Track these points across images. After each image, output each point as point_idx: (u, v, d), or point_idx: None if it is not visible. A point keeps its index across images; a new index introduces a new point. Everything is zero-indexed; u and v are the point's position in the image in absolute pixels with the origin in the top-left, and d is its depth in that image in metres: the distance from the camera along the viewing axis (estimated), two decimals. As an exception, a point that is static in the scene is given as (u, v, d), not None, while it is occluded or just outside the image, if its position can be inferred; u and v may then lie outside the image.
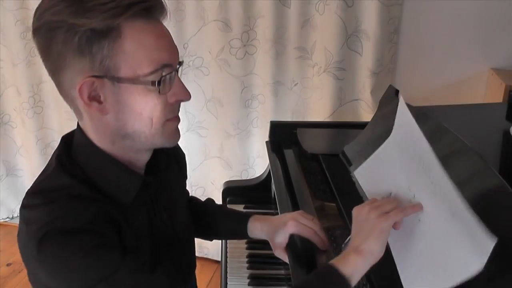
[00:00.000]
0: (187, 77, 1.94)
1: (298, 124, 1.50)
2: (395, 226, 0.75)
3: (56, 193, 0.73)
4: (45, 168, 0.80)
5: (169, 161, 0.94)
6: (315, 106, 1.88)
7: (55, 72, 0.73)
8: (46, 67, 0.75)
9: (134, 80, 0.71)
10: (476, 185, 0.76)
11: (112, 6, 0.66)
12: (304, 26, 1.78)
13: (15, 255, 2.34)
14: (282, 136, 1.47)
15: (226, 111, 2.00)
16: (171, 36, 0.76)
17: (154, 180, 0.85)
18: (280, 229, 0.97)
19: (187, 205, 1.04)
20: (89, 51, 0.68)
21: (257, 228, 1.04)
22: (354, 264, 0.74)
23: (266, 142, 1.49)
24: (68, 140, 0.81)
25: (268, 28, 1.80)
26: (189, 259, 1.01)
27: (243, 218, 1.06)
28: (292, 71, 1.86)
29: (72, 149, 0.80)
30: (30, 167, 2.50)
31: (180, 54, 0.79)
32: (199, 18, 1.87)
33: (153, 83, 0.71)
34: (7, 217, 2.65)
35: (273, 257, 1.22)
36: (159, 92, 0.73)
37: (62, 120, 2.28)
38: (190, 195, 1.14)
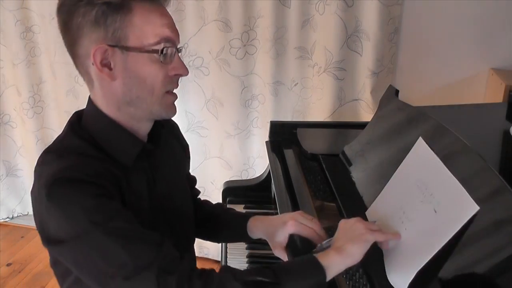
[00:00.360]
0: (187, 77, 1.93)
1: (298, 124, 1.50)
2: (383, 245, 0.85)
3: (67, 151, 0.84)
4: (58, 135, 0.90)
5: (167, 136, 1.02)
6: (315, 106, 1.88)
7: (73, 43, 0.85)
8: (65, 41, 0.87)
9: (140, 49, 0.81)
10: (476, 185, 0.76)
11: None
12: (304, 26, 1.78)
13: (15, 255, 2.35)
14: (282, 136, 1.47)
15: (226, 111, 2.00)
16: (173, 21, 0.86)
17: (154, 149, 0.94)
18: (279, 228, 0.98)
19: (189, 185, 1.13)
20: (104, 22, 0.79)
21: (257, 227, 1.05)
22: (333, 259, 0.80)
23: (266, 142, 1.49)
24: (79, 113, 0.92)
25: (268, 28, 1.80)
26: (187, 233, 1.05)
27: (243, 219, 1.08)
28: (292, 71, 1.86)
29: (83, 118, 0.90)
30: (30, 167, 2.50)
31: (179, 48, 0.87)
32: (199, 18, 1.87)
33: (155, 51, 0.82)
34: (7, 217, 2.65)
35: (273, 257, 1.22)
36: (161, 61, 0.83)
37: (62, 120, 2.28)
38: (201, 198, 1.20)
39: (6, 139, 2.48)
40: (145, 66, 0.83)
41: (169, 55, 0.84)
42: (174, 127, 1.12)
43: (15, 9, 2.14)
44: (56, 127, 2.34)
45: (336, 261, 0.80)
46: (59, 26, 0.85)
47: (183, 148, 1.13)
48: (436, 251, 0.73)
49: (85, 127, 0.88)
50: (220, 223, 1.13)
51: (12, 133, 2.47)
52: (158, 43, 0.82)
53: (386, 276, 0.82)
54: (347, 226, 0.85)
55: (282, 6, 1.77)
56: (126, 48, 0.81)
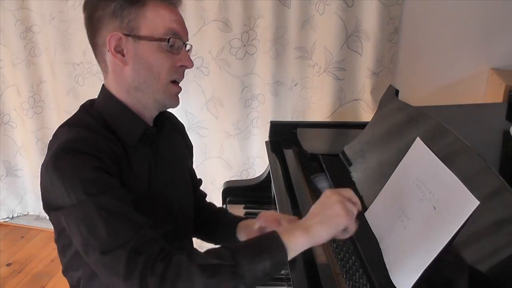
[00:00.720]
0: (187, 77, 1.93)
1: (298, 124, 1.50)
2: (342, 234, 0.83)
3: (76, 124, 0.93)
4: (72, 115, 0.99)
5: (171, 129, 1.10)
6: (315, 106, 1.88)
7: (94, 35, 0.94)
8: (88, 35, 0.97)
9: (150, 38, 0.91)
10: (476, 185, 0.76)
11: None
12: (304, 26, 1.78)
13: (15, 255, 2.34)
14: (282, 136, 1.47)
15: (226, 111, 2.00)
16: (183, 20, 0.97)
17: (157, 137, 1.02)
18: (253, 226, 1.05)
19: (191, 180, 1.17)
20: (120, 14, 0.90)
21: (240, 229, 1.12)
22: (297, 239, 0.81)
23: (266, 142, 1.49)
24: (92, 100, 1.01)
25: (268, 28, 1.80)
26: (185, 223, 1.09)
27: (236, 223, 1.14)
28: (292, 71, 1.86)
29: (96, 101, 0.99)
30: (30, 167, 2.50)
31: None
32: (199, 18, 1.87)
33: (163, 40, 0.91)
34: (7, 217, 2.65)
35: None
36: (167, 50, 0.92)
37: (62, 120, 2.25)
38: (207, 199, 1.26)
39: (6, 139, 2.48)
40: (153, 54, 0.92)
41: (176, 47, 0.93)
42: (179, 125, 1.19)
43: (15, 9, 2.14)
44: (56, 127, 2.33)
45: (300, 241, 0.80)
46: (84, 21, 0.96)
47: (188, 147, 1.19)
48: (441, 249, 0.73)
49: (97, 108, 0.97)
50: (218, 225, 1.18)
51: (12, 133, 2.47)
52: (166, 34, 0.92)
53: (386, 276, 0.82)
54: (328, 202, 0.83)
55: (282, 6, 1.77)
56: (138, 37, 0.91)
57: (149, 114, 0.99)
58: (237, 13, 1.82)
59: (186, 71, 0.99)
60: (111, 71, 0.95)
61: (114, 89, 0.96)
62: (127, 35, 0.91)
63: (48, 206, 0.89)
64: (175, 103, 0.98)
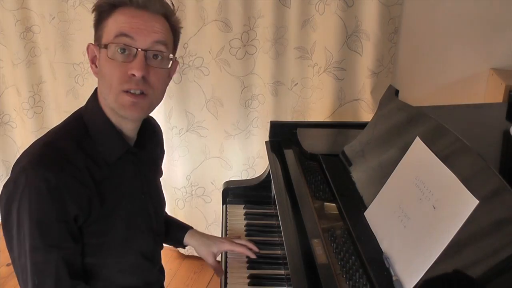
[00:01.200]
0: (187, 77, 1.94)
1: (298, 124, 1.50)
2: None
3: (55, 147, 0.91)
4: (63, 122, 1.00)
5: (151, 140, 1.11)
6: (315, 106, 1.88)
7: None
8: None
9: (104, 45, 0.90)
10: (476, 185, 0.76)
11: None
12: (304, 26, 1.78)
13: (15, 255, 2.34)
14: (282, 136, 1.47)
15: (226, 111, 2.00)
16: (151, 24, 0.91)
17: (139, 152, 1.02)
18: (217, 243, 1.21)
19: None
20: (95, 25, 0.93)
21: (195, 238, 1.23)
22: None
23: (266, 142, 1.49)
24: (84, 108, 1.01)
25: (268, 28, 1.80)
26: (160, 226, 1.14)
27: (182, 231, 1.25)
28: (292, 71, 1.86)
29: (85, 108, 0.99)
30: (30, 167, 2.50)
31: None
32: (199, 18, 1.87)
33: (110, 46, 0.88)
34: (7, 217, 2.65)
35: (273, 257, 1.22)
36: (115, 58, 0.88)
37: (62, 120, 2.27)
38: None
39: (6, 139, 2.48)
40: (106, 62, 0.90)
41: (130, 55, 0.89)
42: (159, 133, 1.19)
43: (15, 9, 2.14)
44: (56, 127, 2.34)
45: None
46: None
47: (162, 154, 1.22)
48: (442, 249, 0.73)
49: (84, 119, 0.97)
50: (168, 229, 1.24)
51: (12, 133, 2.47)
52: (115, 38, 0.88)
53: (386, 276, 0.82)
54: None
55: (282, 6, 1.77)
56: (100, 45, 0.91)
57: (126, 127, 0.98)
58: (237, 13, 1.82)
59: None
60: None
61: (100, 97, 0.97)
62: (95, 45, 0.93)
63: (5, 223, 0.90)
64: (130, 113, 0.92)
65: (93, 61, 0.94)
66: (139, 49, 0.89)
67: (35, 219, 0.86)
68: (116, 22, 0.90)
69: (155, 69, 0.91)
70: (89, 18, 1.99)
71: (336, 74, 1.79)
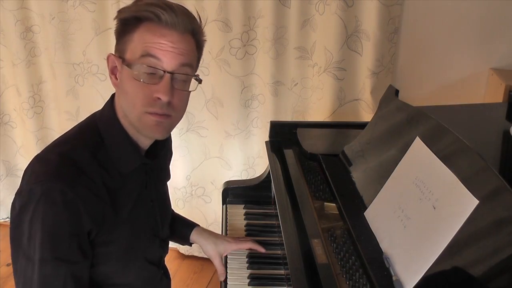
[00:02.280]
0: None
1: (298, 124, 1.50)
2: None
3: (70, 157, 0.88)
4: (78, 127, 0.97)
5: (166, 146, 1.11)
6: (315, 106, 1.88)
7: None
8: None
9: (129, 64, 0.87)
10: (476, 185, 0.76)
11: (137, 6, 0.87)
12: (304, 26, 1.78)
13: (15, 255, 2.34)
14: (282, 136, 1.47)
15: (226, 111, 2.00)
16: (180, 45, 0.87)
17: (151, 162, 1.01)
18: (224, 243, 1.22)
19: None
20: (118, 35, 0.89)
21: (202, 235, 1.24)
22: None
23: (266, 142, 1.49)
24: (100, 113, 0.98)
25: (268, 28, 1.80)
26: (166, 232, 1.14)
27: (188, 228, 1.25)
28: (292, 71, 1.86)
29: (100, 116, 0.96)
30: (30, 167, 2.49)
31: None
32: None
33: (135, 67, 0.86)
34: (7, 217, 2.65)
35: (273, 257, 1.22)
36: (142, 80, 0.85)
37: (62, 120, 2.28)
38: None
39: (6, 139, 2.48)
40: (128, 80, 0.87)
41: (156, 77, 0.86)
42: (169, 139, 1.17)
43: (15, 9, 2.14)
44: (56, 127, 2.34)
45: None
46: None
47: (170, 155, 1.21)
48: (443, 249, 0.73)
49: (99, 128, 0.94)
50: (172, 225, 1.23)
51: (12, 133, 2.47)
52: (141, 57, 0.85)
53: (386, 276, 0.82)
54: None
55: (282, 6, 1.77)
56: (123, 60, 0.88)
57: (143, 142, 0.97)
58: (237, 13, 1.82)
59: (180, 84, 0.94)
60: (116, 92, 0.94)
61: (118, 108, 0.94)
62: (118, 57, 0.89)
63: (14, 230, 0.88)
64: (155, 134, 0.91)
65: (113, 71, 0.90)
66: (166, 72, 0.86)
67: (48, 231, 0.84)
68: (142, 40, 0.85)
69: (179, 91, 0.90)
70: (89, 18, 2.01)
71: (336, 74, 1.79)
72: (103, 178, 0.90)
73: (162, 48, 0.85)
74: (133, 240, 0.98)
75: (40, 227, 0.83)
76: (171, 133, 1.03)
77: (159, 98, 0.87)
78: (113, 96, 0.96)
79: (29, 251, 0.85)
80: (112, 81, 0.91)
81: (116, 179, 0.92)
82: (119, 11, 0.89)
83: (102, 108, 0.97)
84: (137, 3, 0.89)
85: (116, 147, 0.92)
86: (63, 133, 0.97)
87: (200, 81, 0.95)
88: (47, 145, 0.94)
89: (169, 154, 1.20)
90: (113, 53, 0.91)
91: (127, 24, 0.87)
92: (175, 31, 0.87)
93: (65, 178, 0.85)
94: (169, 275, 1.20)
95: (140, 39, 0.86)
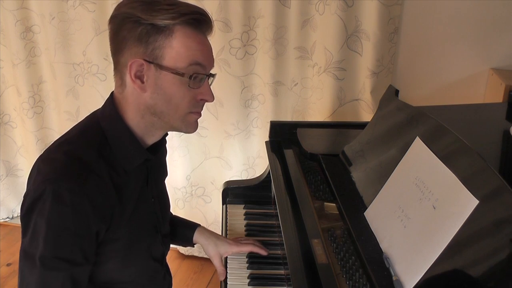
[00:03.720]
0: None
1: (298, 124, 1.50)
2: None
3: (76, 156, 0.89)
4: (80, 126, 0.97)
5: (165, 144, 1.12)
6: (315, 106, 1.88)
7: (117, 52, 0.91)
8: (110, 48, 0.92)
9: (172, 70, 0.87)
10: (476, 185, 0.76)
11: (173, 11, 0.85)
12: (304, 26, 1.78)
13: (15, 255, 2.34)
14: (282, 136, 1.47)
15: (226, 111, 2.00)
16: (211, 49, 0.94)
17: (154, 157, 1.01)
18: (226, 245, 1.22)
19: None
20: (146, 40, 0.86)
21: (204, 235, 1.24)
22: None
23: (266, 142, 1.49)
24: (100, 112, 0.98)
25: (268, 28, 1.80)
26: (166, 228, 1.16)
27: (190, 229, 1.25)
28: (292, 71, 1.86)
29: (101, 114, 0.96)
30: (30, 167, 2.49)
31: None
32: (199, 18, 1.87)
33: (186, 75, 0.88)
34: (7, 217, 2.65)
35: (273, 257, 1.22)
36: (188, 85, 0.89)
37: (62, 120, 2.28)
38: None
39: (6, 139, 2.48)
40: (174, 86, 0.89)
41: (198, 81, 0.91)
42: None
43: (15, 9, 2.14)
44: (56, 127, 2.34)
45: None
46: (109, 34, 0.92)
47: (166, 152, 1.21)
48: (443, 249, 0.73)
49: (102, 126, 0.94)
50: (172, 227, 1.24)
51: (12, 133, 2.47)
52: (189, 65, 0.88)
53: (386, 276, 0.82)
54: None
55: (282, 6, 1.77)
56: (160, 67, 0.87)
57: (156, 136, 0.98)
58: (237, 13, 1.82)
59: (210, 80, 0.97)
60: (129, 91, 0.92)
61: (127, 108, 0.93)
62: (150, 62, 0.87)
63: (24, 215, 0.88)
64: (193, 130, 0.97)
65: (136, 75, 0.88)
66: (207, 76, 0.92)
67: (52, 230, 0.84)
68: (186, 48, 0.87)
69: None
70: (89, 18, 2.01)
71: (336, 74, 1.79)
72: (110, 175, 0.91)
73: (206, 56, 0.91)
74: (137, 237, 0.99)
75: (45, 225, 0.84)
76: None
77: (202, 100, 0.93)
78: (111, 94, 0.97)
79: (31, 248, 0.86)
80: (136, 85, 0.89)
81: (121, 176, 0.93)
82: (147, 15, 0.85)
83: (102, 107, 0.97)
84: (165, 7, 0.86)
85: (120, 145, 0.93)
86: (63, 134, 0.97)
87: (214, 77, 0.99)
88: (47, 145, 0.95)
89: (165, 151, 1.21)
90: (135, 57, 0.87)
91: (162, 29, 0.86)
92: (208, 35, 0.93)
93: (74, 176, 0.85)
94: (170, 272, 1.21)
95: (182, 46, 0.87)
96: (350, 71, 1.79)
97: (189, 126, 0.95)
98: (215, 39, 1.87)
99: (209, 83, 0.94)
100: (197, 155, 2.12)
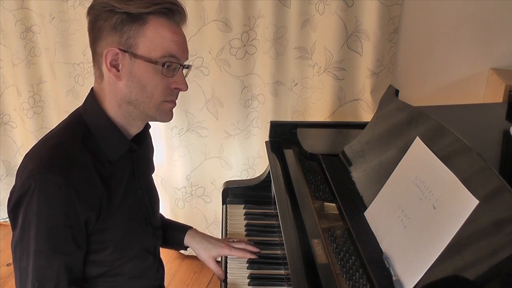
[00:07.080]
0: (187, 77, 1.94)
1: (298, 124, 1.50)
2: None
3: (62, 148, 0.91)
4: (63, 124, 1.00)
5: (148, 139, 1.15)
6: (315, 106, 1.88)
7: (94, 42, 0.94)
8: (89, 39, 0.96)
9: (146, 59, 0.90)
10: (476, 185, 0.76)
11: (147, 0, 0.88)
12: (304, 26, 1.78)
13: (15, 255, 2.34)
14: (282, 136, 1.47)
15: (226, 111, 2.00)
16: (185, 39, 0.96)
17: (138, 149, 1.04)
18: (217, 247, 1.22)
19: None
20: (121, 29, 0.89)
21: (195, 238, 1.24)
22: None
23: (266, 142, 1.49)
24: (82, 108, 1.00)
25: (268, 28, 1.80)
26: (157, 220, 1.17)
27: (181, 231, 1.26)
28: (292, 71, 1.86)
29: (83, 109, 0.99)
30: (30, 167, 2.49)
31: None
32: (199, 18, 1.87)
33: (159, 63, 0.90)
34: (7, 217, 2.65)
35: (273, 257, 1.22)
36: (162, 73, 0.91)
37: (61, 120, 2.27)
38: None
39: (6, 139, 2.48)
40: (148, 74, 0.91)
41: (172, 70, 0.93)
42: (148, 130, 1.20)
43: (15, 9, 2.14)
44: (56, 127, 2.34)
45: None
46: (87, 25, 0.96)
47: (152, 149, 1.23)
48: (443, 249, 0.73)
49: (84, 119, 0.97)
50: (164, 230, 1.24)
51: (12, 133, 2.47)
52: (163, 56, 0.90)
53: (386, 276, 0.82)
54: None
55: (282, 6, 1.77)
56: (135, 55, 0.90)
57: (136, 127, 1.01)
58: (237, 13, 1.82)
59: (185, 71, 0.99)
60: (106, 81, 0.95)
61: (105, 99, 0.96)
62: (124, 51, 0.90)
63: (11, 213, 0.91)
64: (167, 118, 0.99)
65: (112, 63, 0.91)
66: (181, 66, 0.95)
67: (42, 223, 0.86)
68: (160, 38, 0.90)
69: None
70: (89, 18, 2.00)
71: (336, 74, 1.79)
72: (95, 165, 0.93)
73: (180, 46, 0.93)
74: (127, 227, 1.01)
75: (35, 219, 0.86)
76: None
77: (176, 88, 0.95)
78: (91, 89, 1.00)
79: (23, 242, 0.88)
80: (112, 73, 0.91)
81: (106, 167, 0.96)
82: (122, 3, 0.88)
83: (84, 102, 1.00)
84: None
85: (103, 135, 0.96)
86: (49, 131, 1.00)
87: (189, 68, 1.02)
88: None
89: (152, 148, 1.23)
90: (111, 46, 0.90)
91: (136, 18, 0.88)
92: (182, 26, 0.95)
93: (58, 169, 0.87)
94: (164, 266, 1.21)
95: (156, 36, 0.90)
96: (350, 71, 1.79)
97: (164, 115, 0.97)
98: (215, 39, 1.88)
99: (184, 75, 0.97)
100: (197, 155, 2.12)
